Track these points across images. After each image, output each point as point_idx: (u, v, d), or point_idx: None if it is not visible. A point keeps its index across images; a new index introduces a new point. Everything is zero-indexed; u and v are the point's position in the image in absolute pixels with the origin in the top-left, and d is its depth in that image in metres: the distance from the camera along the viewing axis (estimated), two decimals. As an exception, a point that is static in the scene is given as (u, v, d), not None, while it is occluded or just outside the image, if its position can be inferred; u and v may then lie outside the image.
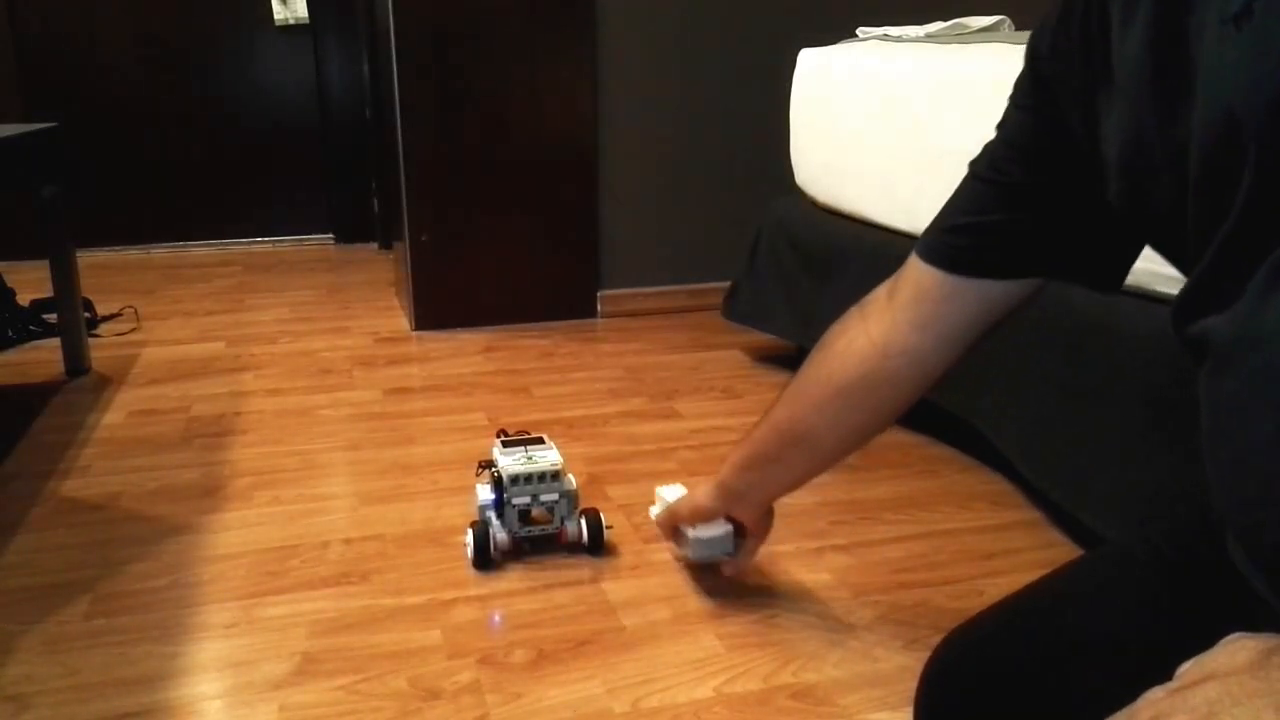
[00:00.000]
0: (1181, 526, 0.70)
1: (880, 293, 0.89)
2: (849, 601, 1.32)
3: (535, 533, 1.43)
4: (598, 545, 1.43)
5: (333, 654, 1.20)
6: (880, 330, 0.87)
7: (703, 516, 1.22)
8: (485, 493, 1.44)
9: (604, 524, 1.43)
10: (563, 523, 1.43)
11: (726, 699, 1.12)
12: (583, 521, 1.43)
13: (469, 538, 1.40)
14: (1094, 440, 1.36)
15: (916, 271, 0.83)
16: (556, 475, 1.42)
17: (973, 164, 0.79)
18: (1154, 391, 1.27)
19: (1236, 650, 0.43)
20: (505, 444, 1.46)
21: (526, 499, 1.40)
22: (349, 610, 1.29)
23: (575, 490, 1.45)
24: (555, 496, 1.42)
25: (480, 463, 1.47)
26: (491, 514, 1.42)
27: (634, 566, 1.41)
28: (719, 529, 1.23)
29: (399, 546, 1.46)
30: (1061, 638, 0.68)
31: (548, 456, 1.42)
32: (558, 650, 1.21)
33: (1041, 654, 0.68)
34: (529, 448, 1.45)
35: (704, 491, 1.19)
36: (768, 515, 1.23)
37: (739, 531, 1.24)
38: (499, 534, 1.40)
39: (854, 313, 0.92)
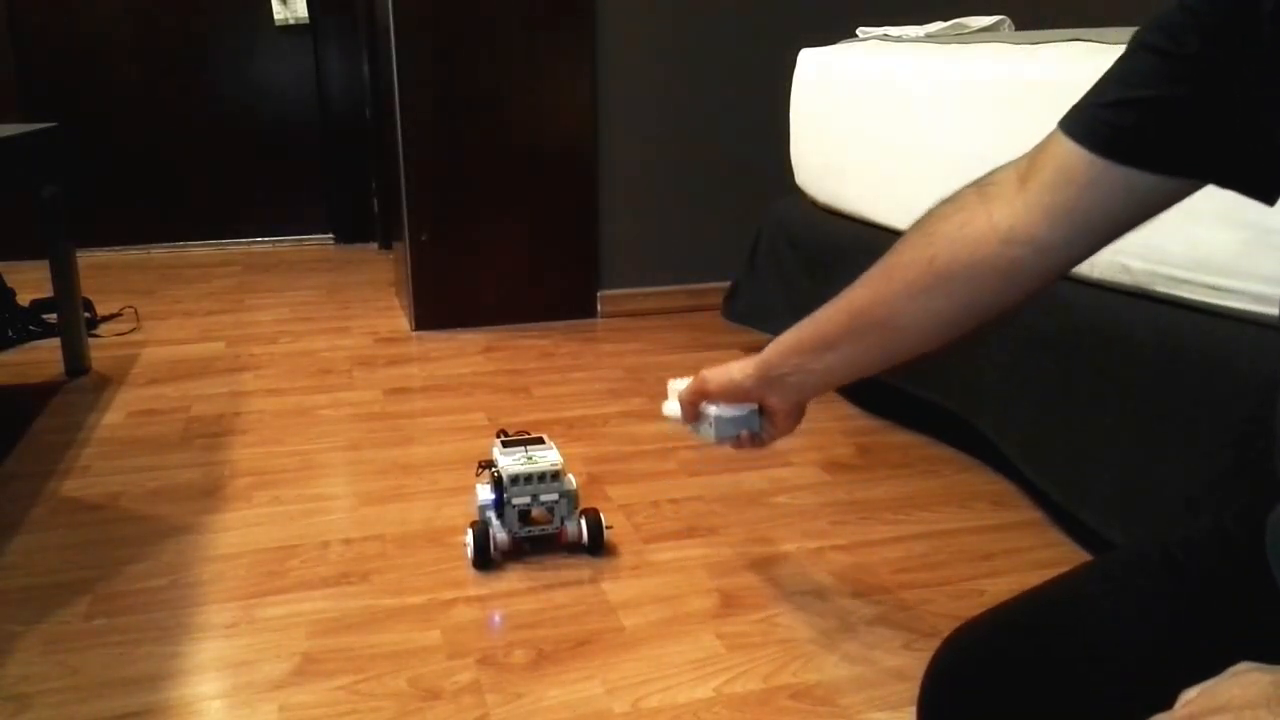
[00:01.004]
0: (1198, 535, 0.69)
1: (1007, 173, 0.77)
2: (849, 601, 1.32)
3: (535, 533, 1.43)
4: (598, 545, 1.43)
5: (333, 654, 1.20)
6: (1005, 214, 0.75)
7: (731, 394, 1.10)
8: (485, 493, 1.44)
9: (604, 524, 1.43)
10: (563, 523, 1.44)
11: (726, 699, 1.12)
12: (583, 521, 1.43)
13: (469, 538, 1.40)
14: (1094, 440, 1.36)
15: (1061, 149, 0.71)
16: (556, 475, 1.42)
17: (1141, 33, 0.68)
18: (1154, 391, 1.27)
19: (1250, 683, 0.42)
20: (505, 444, 1.47)
21: (526, 499, 1.41)
22: (349, 610, 1.29)
23: (575, 490, 1.45)
24: (555, 496, 1.42)
25: (480, 463, 1.47)
26: (491, 514, 1.42)
27: (634, 566, 1.41)
28: (743, 408, 1.11)
29: (399, 546, 1.46)
30: (1069, 639, 0.67)
31: (548, 456, 1.43)
32: (558, 650, 1.21)
33: (1048, 655, 0.67)
34: (529, 448, 1.45)
35: (740, 367, 1.07)
36: (799, 410, 1.10)
37: (762, 413, 1.12)
38: (499, 534, 1.40)
39: (969, 192, 0.80)
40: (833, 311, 0.93)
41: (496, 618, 1.29)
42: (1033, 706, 0.66)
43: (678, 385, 1.20)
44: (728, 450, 1.12)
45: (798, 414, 1.10)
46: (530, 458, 1.42)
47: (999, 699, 0.68)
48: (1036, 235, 0.73)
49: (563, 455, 1.45)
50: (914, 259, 0.83)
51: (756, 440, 1.14)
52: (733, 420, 1.11)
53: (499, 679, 1.15)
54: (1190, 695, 0.44)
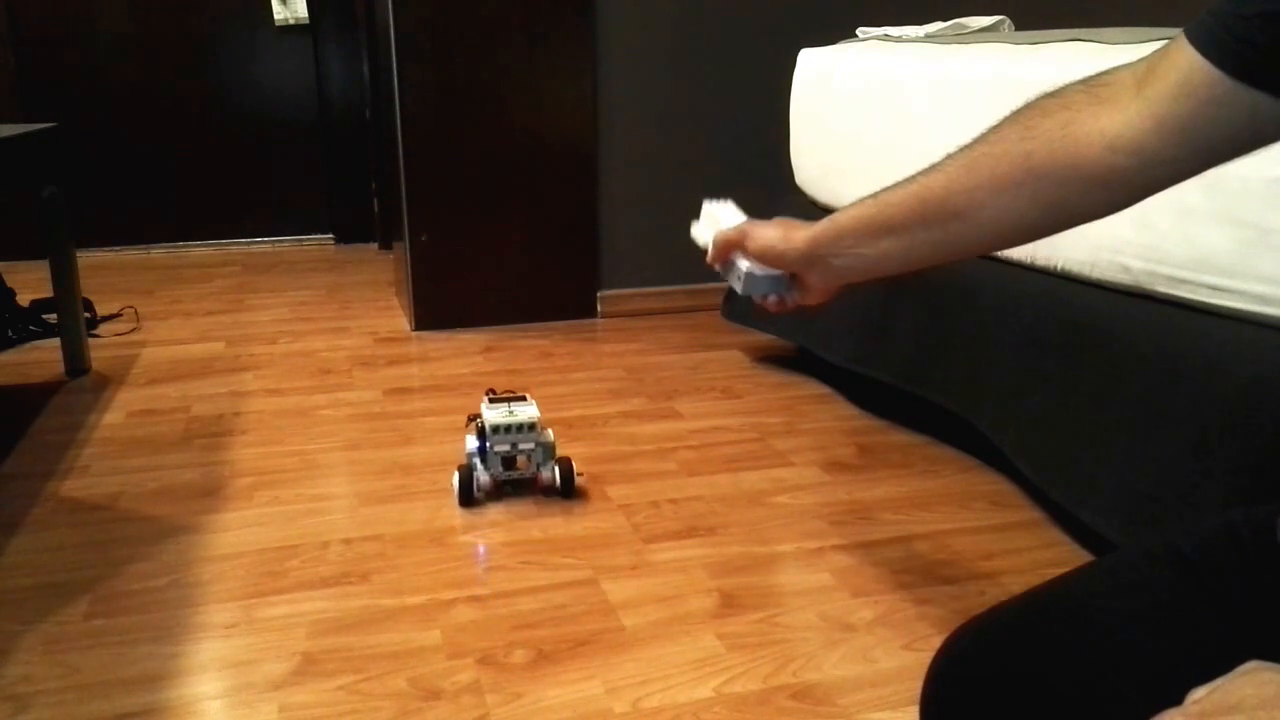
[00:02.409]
0: (1205, 532, 0.69)
1: (1123, 76, 0.71)
2: (849, 601, 1.32)
3: (515, 477, 1.62)
4: (569, 489, 1.61)
5: (333, 654, 1.20)
6: (1115, 120, 0.70)
7: (770, 261, 1.01)
8: (472, 441, 1.64)
9: (575, 471, 1.62)
10: (538, 469, 1.62)
11: (726, 699, 1.12)
12: (555, 468, 1.61)
13: (455, 480, 1.59)
14: (1094, 440, 1.36)
15: (1186, 60, 0.65)
16: (534, 426, 1.60)
17: None
18: (1154, 391, 1.27)
19: (1264, 682, 0.42)
20: (491, 400, 1.65)
21: (507, 446, 1.59)
22: (349, 610, 1.29)
23: (551, 442, 1.63)
24: (532, 445, 1.60)
25: (469, 416, 1.68)
26: (476, 459, 1.62)
27: (634, 566, 1.41)
28: (777, 270, 1.03)
29: (399, 546, 1.46)
30: (1074, 637, 0.67)
31: (527, 411, 1.61)
32: (558, 650, 1.21)
33: (1053, 653, 0.67)
34: (511, 404, 1.64)
35: (784, 236, 0.98)
36: (835, 291, 1.02)
37: (794, 277, 1.04)
38: (482, 476, 1.60)
39: (1077, 89, 0.74)
40: (902, 195, 0.86)
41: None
42: (1037, 706, 0.66)
43: (713, 209, 1.11)
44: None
45: (832, 293, 1.02)
46: (511, 411, 1.61)
47: (1002, 699, 0.68)
48: (1145, 146, 0.68)
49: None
50: (1007, 151, 0.77)
51: (783, 304, 1.06)
52: (764, 280, 1.03)
53: (499, 679, 1.15)
54: (1200, 694, 0.44)
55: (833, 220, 0.93)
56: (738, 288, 1.06)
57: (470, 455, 1.63)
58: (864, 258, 0.92)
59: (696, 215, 1.15)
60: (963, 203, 0.81)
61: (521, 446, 1.60)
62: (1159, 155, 0.68)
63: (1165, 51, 0.68)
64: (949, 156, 0.82)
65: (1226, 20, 0.63)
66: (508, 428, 1.58)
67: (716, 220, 1.10)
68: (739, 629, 1.25)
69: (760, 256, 1.01)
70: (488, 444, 1.59)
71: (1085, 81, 0.74)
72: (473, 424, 1.65)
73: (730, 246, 1.04)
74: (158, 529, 1.52)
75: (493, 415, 1.60)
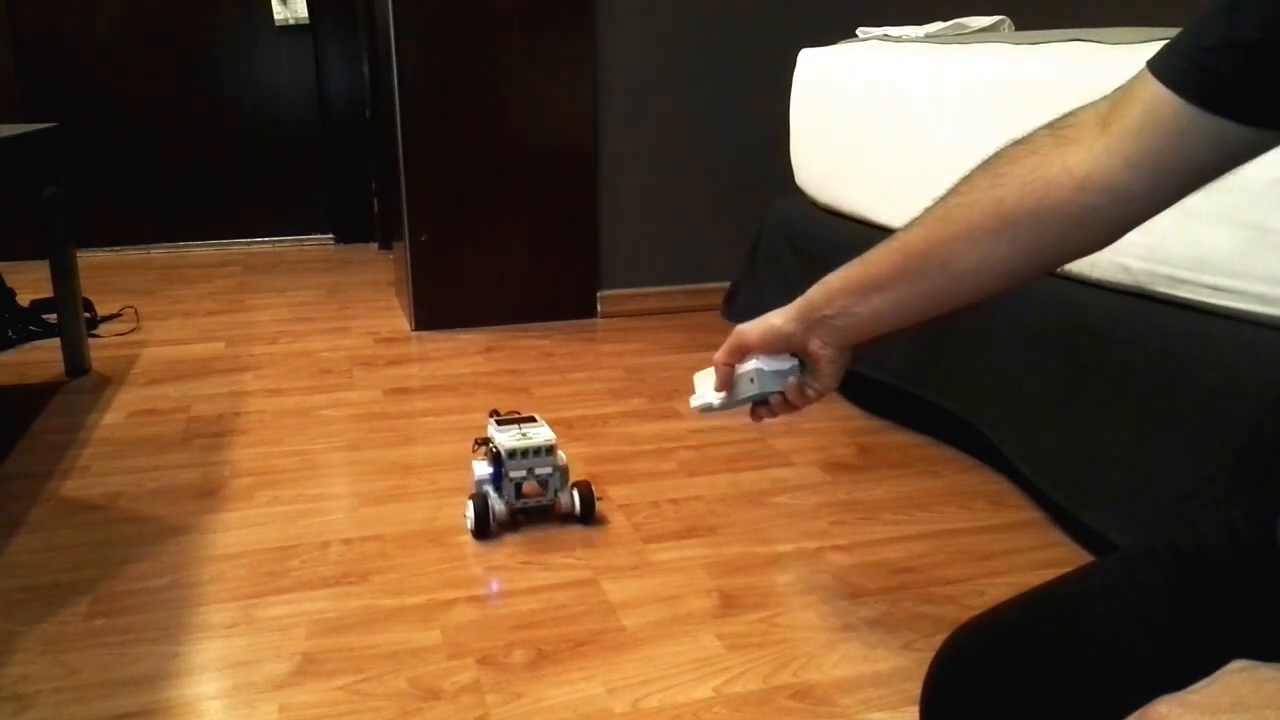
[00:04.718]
0: (1205, 531, 0.69)
1: (1086, 115, 0.73)
2: (849, 601, 1.32)
3: (530, 504, 1.50)
4: (589, 515, 1.51)
5: (333, 654, 1.20)
6: (1082, 159, 0.71)
7: (772, 341, 1.00)
8: (482, 468, 1.51)
9: (594, 495, 1.51)
10: (556, 495, 1.51)
11: (726, 699, 1.12)
12: (575, 493, 1.50)
13: (469, 510, 1.47)
14: (1094, 440, 1.36)
15: (1150, 94, 0.67)
16: (551, 450, 1.49)
17: None
18: (1154, 391, 1.27)
19: (1264, 680, 0.42)
20: (500, 422, 1.54)
21: (523, 472, 1.48)
22: (349, 610, 1.29)
23: (566, 465, 1.53)
24: (549, 470, 1.49)
25: (477, 440, 1.55)
26: (489, 487, 1.50)
27: (634, 566, 1.41)
28: (784, 361, 1.01)
29: (399, 546, 1.46)
30: (1073, 638, 0.67)
31: (541, 433, 1.50)
32: (558, 650, 1.21)
33: (1052, 654, 0.67)
34: (522, 425, 1.53)
35: (778, 312, 0.99)
36: (843, 358, 1.00)
37: (803, 367, 1.02)
38: (497, 505, 1.48)
39: (1043, 134, 0.75)
40: (885, 252, 0.87)
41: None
42: (1037, 706, 0.66)
43: (704, 375, 1.11)
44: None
45: (842, 362, 1.00)
46: (525, 434, 1.49)
47: (1002, 699, 0.68)
48: (1115, 183, 0.70)
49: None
50: (979, 200, 0.78)
51: (802, 393, 1.03)
52: (775, 373, 1.01)
53: (499, 679, 1.15)
54: (1197, 689, 0.44)
55: (822, 282, 0.94)
56: (751, 391, 1.03)
57: (481, 483, 1.50)
58: (858, 316, 0.93)
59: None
60: (943, 254, 0.82)
61: (538, 471, 1.48)
62: (1130, 190, 0.70)
63: (1128, 87, 0.69)
64: (926, 210, 0.83)
65: (1189, 52, 0.65)
66: (524, 452, 1.46)
67: (706, 379, 1.08)
68: (739, 629, 1.25)
69: (761, 341, 1.01)
70: (503, 470, 1.47)
71: (1050, 125, 0.75)
72: (481, 449, 1.53)
73: (731, 354, 1.04)
74: (158, 529, 1.52)
75: (505, 439, 1.47)
